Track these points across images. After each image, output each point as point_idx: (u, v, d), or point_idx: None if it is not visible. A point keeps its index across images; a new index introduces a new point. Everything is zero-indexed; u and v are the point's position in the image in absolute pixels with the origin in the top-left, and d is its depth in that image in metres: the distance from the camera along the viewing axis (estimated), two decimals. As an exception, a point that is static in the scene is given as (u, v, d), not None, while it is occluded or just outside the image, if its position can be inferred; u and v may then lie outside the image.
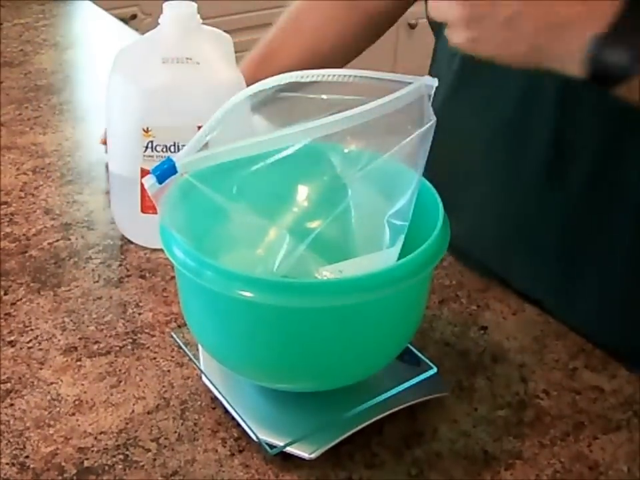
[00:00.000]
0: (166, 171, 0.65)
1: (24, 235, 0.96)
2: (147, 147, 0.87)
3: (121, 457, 0.69)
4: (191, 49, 0.87)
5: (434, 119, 0.66)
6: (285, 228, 0.73)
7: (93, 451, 0.69)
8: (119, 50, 0.90)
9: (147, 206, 0.90)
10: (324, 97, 0.69)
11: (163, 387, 0.76)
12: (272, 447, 0.68)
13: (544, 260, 0.85)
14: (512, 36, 0.65)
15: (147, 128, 0.86)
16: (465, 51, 0.69)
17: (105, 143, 1.02)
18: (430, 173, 0.70)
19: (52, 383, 0.76)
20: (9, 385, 0.75)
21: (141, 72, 0.88)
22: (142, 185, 0.89)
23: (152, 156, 0.87)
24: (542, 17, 0.65)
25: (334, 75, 0.69)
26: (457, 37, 0.68)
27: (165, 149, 0.86)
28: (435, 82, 0.68)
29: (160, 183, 0.65)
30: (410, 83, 0.67)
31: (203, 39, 0.89)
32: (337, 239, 0.74)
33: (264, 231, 0.73)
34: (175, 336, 0.80)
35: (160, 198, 0.66)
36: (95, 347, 0.80)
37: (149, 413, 0.73)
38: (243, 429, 0.70)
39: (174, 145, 0.86)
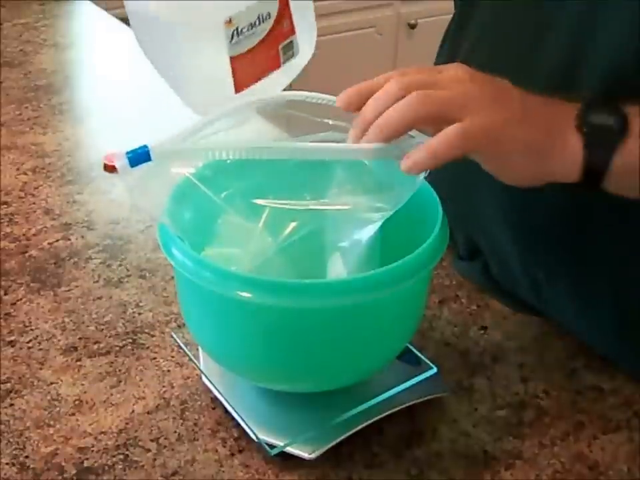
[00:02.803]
0: (139, 156, 0.64)
1: (24, 235, 0.96)
2: (232, 36, 0.76)
3: (121, 456, 0.69)
4: None
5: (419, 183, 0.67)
6: (269, 232, 0.73)
7: (92, 451, 0.69)
8: None
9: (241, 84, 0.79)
10: (330, 122, 0.69)
11: (163, 387, 0.76)
12: (272, 447, 0.68)
13: (563, 280, 0.82)
14: (531, 115, 0.65)
15: (229, 19, 0.76)
16: (492, 136, 0.63)
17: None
18: (444, 193, 0.70)
19: (52, 383, 0.76)
20: (8, 384, 0.75)
21: None
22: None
23: (239, 41, 0.77)
24: (538, 98, 0.66)
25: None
26: (486, 119, 0.63)
27: (250, 27, 0.77)
28: None
29: (132, 166, 0.64)
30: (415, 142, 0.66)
31: None
32: (315, 252, 0.74)
33: (248, 232, 0.72)
34: (174, 336, 0.80)
35: (129, 179, 0.65)
36: (95, 347, 0.80)
37: (148, 413, 0.73)
38: (242, 429, 0.70)
39: (258, 19, 0.77)
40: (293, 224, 0.74)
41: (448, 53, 0.90)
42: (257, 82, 0.77)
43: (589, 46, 0.72)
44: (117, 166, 0.64)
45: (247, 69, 0.75)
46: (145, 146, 0.64)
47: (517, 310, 0.86)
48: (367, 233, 0.71)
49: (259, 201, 0.73)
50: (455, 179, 0.84)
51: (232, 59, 0.74)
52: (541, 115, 0.65)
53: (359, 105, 0.66)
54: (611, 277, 0.77)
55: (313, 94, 0.70)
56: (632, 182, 0.66)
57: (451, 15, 0.92)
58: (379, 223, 0.71)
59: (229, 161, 0.69)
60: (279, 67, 0.77)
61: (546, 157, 0.65)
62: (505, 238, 0.82)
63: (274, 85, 0.79)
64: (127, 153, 0.64)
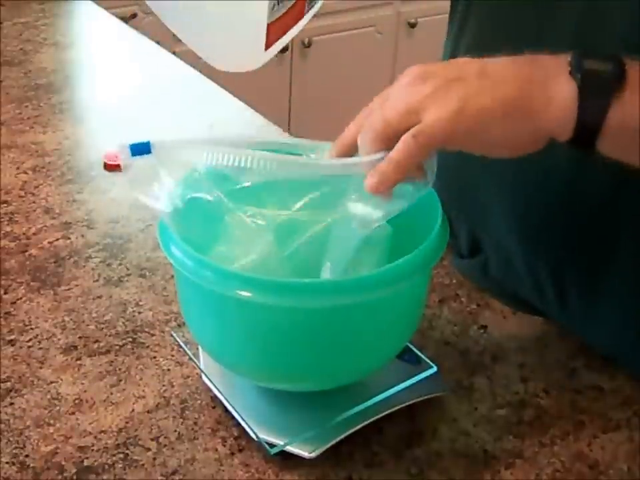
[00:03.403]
0: (140, 147, 0.65)
1: (24, 234, 0.96)
2: (273, 6, 0.76)
3: (121, 455, 0.69)
4: None
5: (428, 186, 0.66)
6: (275, 233, 0.73)
7: (92, 450, 0.69)
8: None
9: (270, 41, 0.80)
10: None
11: (163, 386, 0.76)
12: (272, 446, 0.68)
13: (568, 279, 0.81)
14: (494, 81, 0.62)
15: None
16: (455, 123, 0.61)
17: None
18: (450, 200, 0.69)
19: (52, 382, 0.76)
20: (8, 384, 0.75)
21: None
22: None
23: (278, 8, 0.77)
24: (505, 59, 0.64)
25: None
26: (440, 111, 0.61)
27: None
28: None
29: (132, 155, 0.65)
30: None
31: None
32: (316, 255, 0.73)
33: (254, 233, 0.72)
34: (174, 335, 0.80)
35: (129, 169, 0.65)
36: (95, 345, 0.80)
37: (148, 412, 0.73)
38: (242, 428, 0.70)
39: None
40: (298, 228, 0.74)
41: (449, 52, 0.89)
42: (283, 35, 0.78)
43: (594, 39, 0.72)
44: (119, 154, 0.65)
45: (278, 27, 0.76)
46: (147, 141, 0.65)
47: (517, 309, 0.86)
48: (361, 234, 0.70)
49: (261, 211, 0.73)
50: (460, 173, 0.84)
51: (269, 24, 0.75)
52: (510, 74, 0.63)
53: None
54: (617, 275, 0.77)
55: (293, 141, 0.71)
56: (630, 143, 0.62)
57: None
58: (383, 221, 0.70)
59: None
60: (302, 17, 0.78)
61: (529, 113, 0.62)
62: (510, 235, 0.82)
63: (294, 30, 0.79)
64: (130, 144, 0.65)
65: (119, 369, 0.77)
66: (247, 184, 0.70)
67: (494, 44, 0.78)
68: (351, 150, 0.67)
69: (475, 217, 0.86)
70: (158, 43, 1.50)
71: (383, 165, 0.63)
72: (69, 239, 0.95)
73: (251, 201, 0.71)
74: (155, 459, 0.69)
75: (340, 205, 0.69)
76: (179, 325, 0.82)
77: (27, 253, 0.93)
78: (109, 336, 0.81)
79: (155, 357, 0.79)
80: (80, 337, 0.81)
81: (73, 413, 0.73)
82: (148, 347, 0.80)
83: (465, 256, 0.91)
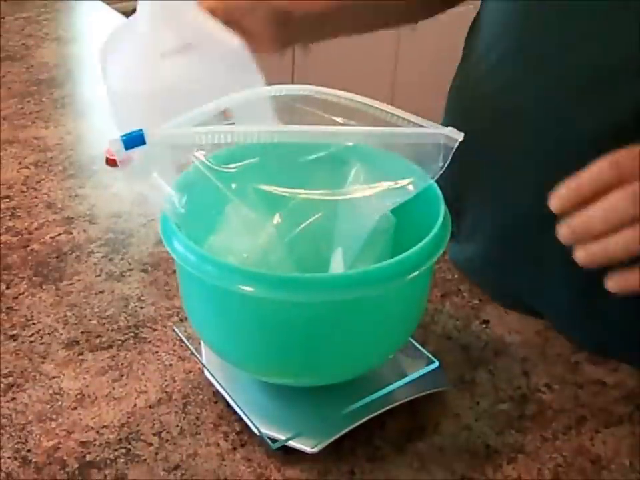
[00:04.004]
0: (134, 139, 0.64)
1: (26, 229, 0.96)
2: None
3: (123, 450, 0.69)
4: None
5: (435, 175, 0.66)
6: (275, 225, 0.73)
7: (95, 445, 0.69)
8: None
9: None
10: (339, 119, 0.68)
11: (165, 380, 0.76)
12: (274, 440, 0.68)
13: (561, 277, 0.81)
14: None
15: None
16: None
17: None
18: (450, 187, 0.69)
19: (54, 377, 0.76)
20: (10, 378, 0.76)
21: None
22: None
23: None
24: None
25: (353, 101, 0.67)
26: None
27: None
28: (459, 136, 0.65)
29: (126, 148, 0.64)
30: (433, 132, 0.66)
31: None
32: (318, 245, 0.73)
33: (254, 224, 0.72)
34: (176, 330, 0.80)
35: (125, 163, 0.65)
36: (97, 340, 0.80)
37: (150, 406, 0.73)
38: (244, 422, 0.70)
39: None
40: (299, 217, 0.74)
41: (463, 54, 0.89)
42: None
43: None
44: (112, 150, 0.64)
45: None
46: (140, 130, 0.65)
47: (496, 300, 0.85)
48: (370, 224, 0.70)
49: (267, 187, 0.73)
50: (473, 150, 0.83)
51: None
52: None
53: (577, 206, 0.62)
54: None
55: (324, 89, 0.69)
56: None
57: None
58: (386, 212, 0.70)
59: (239, 153, 0.69)
60: None
61: None
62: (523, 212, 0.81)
63: None
64: (122, 136, 0.64)
65: (121, 364, 0.77)
66: (244, 164, 0.70)
67: (509, 47, 0.77)
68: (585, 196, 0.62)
69: (482, 194, 0.85)
70: (160, 37, 1.49)
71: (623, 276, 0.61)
72: (71, 233, 0.95)
73: (250, 183, 0.71)
74: (157, 453, 0.69)
75: (341, 193, 0.69)
76: (181, 320, 0.82)
77: (29, 248, 0.93)
78: (111, 331, 0.81)
79: (157, 352, 0.79)
80: (82, 332, 0.81)
81: (75, 408, 0.73)
82: (150, 341, 0.80)
83: (467, 238, 0.89)
